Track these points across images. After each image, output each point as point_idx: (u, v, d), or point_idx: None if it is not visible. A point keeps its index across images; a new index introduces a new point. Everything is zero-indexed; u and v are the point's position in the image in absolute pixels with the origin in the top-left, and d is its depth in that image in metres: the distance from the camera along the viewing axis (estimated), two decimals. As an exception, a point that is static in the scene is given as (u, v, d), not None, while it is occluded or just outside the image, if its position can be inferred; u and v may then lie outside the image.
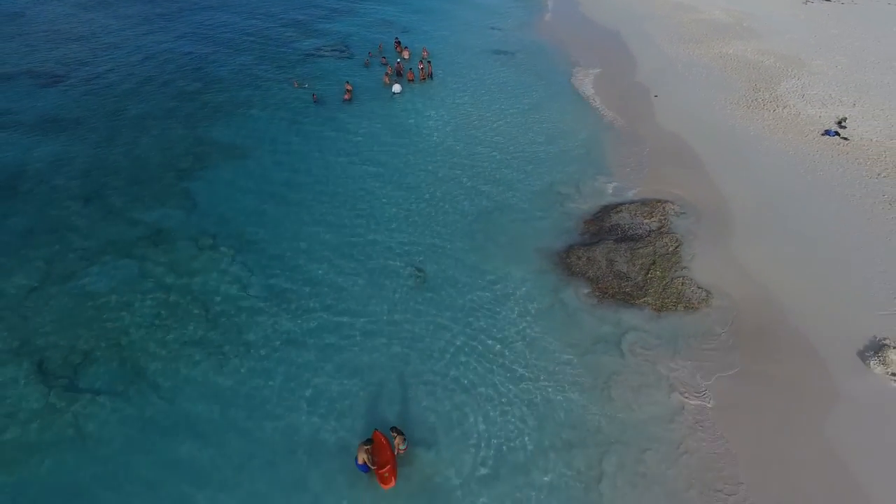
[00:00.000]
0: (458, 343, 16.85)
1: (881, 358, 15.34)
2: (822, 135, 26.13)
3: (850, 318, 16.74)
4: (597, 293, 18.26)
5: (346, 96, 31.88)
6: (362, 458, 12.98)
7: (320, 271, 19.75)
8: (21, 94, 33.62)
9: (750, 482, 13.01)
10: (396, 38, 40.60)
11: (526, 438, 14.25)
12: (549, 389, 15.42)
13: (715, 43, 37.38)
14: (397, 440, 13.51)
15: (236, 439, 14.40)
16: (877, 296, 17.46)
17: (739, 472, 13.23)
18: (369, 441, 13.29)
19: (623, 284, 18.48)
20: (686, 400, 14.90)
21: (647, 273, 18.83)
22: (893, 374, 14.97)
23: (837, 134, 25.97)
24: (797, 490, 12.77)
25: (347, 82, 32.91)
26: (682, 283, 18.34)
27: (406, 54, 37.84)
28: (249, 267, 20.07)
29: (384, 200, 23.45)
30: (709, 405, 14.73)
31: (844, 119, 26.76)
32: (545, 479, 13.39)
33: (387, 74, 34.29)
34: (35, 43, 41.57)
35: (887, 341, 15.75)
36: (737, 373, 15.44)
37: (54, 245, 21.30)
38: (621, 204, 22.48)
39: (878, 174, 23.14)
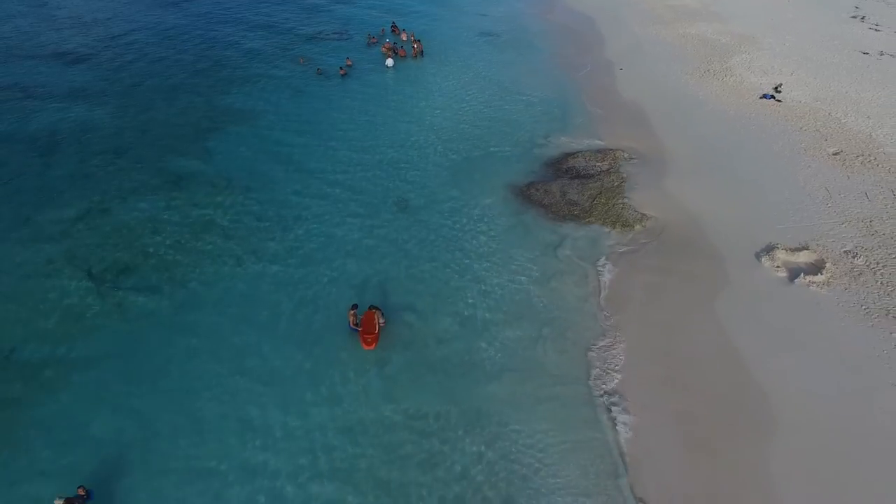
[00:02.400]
0: (435, 248, 20.66)
1: (770, 256, 19.09)
2: (760, 98, 29.83)
3: (754, 232, 20.46)
4: (550, 215, 22.05)
5: (342, 72, 35.53)
6: (351, 319, 16.74)
7: (321, 204, 23.49)
8: (50, 72, 37.33)
9: (652, 339, 16.70)
10: (393, 21, 44.34)
11: (485, 311, 17.97)
12: (508, 280, 19.20)
13: (680, 25, 41.10)
14: (377, 314, 17.20)
15: (249, 317, 18.10)
16: (779, 216, 21.17)
17: (646, 333, 16.93)
18: (354, 305, 17.06)
19: (572, 209, 22.26)
20: (609, 287, 18.60)
21: (594, 200, 22.59)
22: (778, 267, 18.71)
23: (773, 97, 29.68)
24: (687, 345, 16.47)
25: (348, 58, 36.72)
26: (622, 208, 22.09)
27: (403, 37, 41.53)
28: (260, 201, 23.80)
29: (376, 150, 27.21)
30: (628, 290, 18.44)
31: (780, 85, 30.48)
32: (496, 342, 17.08)
33: (384, 46, 38.09)
34: (60, 27, 45.34)
35: (778, 245, 19.49)
36: (654, 268, 19.19)
37: (92, 187, 24.99)
38: (578, 152, 26.26)
39: (801, 128, 26.85)
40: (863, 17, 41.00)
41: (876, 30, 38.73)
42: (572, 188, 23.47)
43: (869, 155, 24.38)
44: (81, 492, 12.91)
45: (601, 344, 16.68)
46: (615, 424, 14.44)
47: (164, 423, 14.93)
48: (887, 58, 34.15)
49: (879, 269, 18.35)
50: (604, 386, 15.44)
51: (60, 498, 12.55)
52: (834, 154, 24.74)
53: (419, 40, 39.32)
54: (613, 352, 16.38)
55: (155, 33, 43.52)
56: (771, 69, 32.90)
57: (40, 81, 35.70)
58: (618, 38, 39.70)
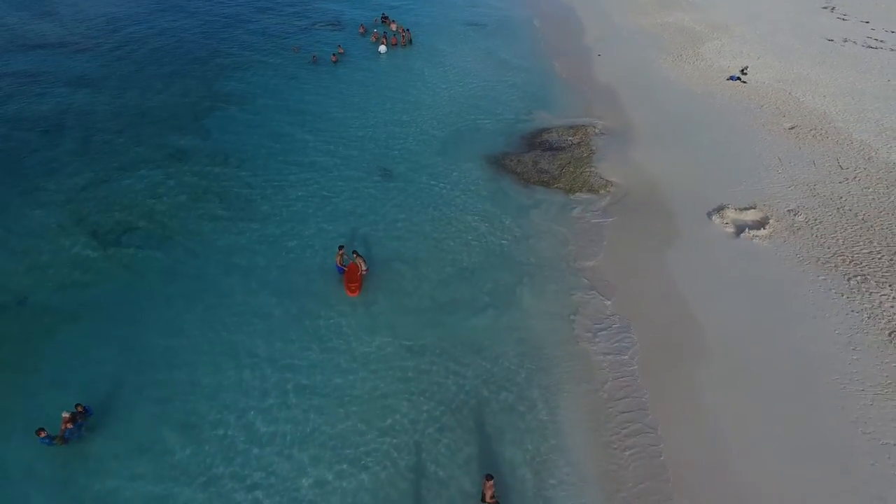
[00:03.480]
0: (416, 208, 22.46)
1: (720, 214, 20.86)
2: (728, 80, 31.65)
3: (708, 195, 22.24)
4: (522, 181, 23.82)
5: (334, 58, 37.26)
6: (338, 259, 18.53)
7: (311, 173, 25.21)
8: (54, 60, 38.99)
9: (610, 279, 18.45)
10: (383, 13, 46.12)
11: (464, 263, 19.71)
12: (486, 234, 21.00)
13: (659, 14, 42.95)
14: (359, 261, 18.93)
15: (242, 267, 19.82)
16: (733, 181, 22.96)
17: (604, 275, 18.68)
18: (341, 247, 18.85)
19: (543, 176, 24.03)
20: (576, 241, 20.35)
21: (563, 169, 24.37)
22: (726, 224, 20.49)
23: (739, 79, 31.50)
24: (639, 288, 18.22)
25: (339, 46, 38.50)
26: (589, 175, 23.87)
27: (394, 27, 43.30)
28: (254, 171, 25.51)
29: (363, 127, 28.95)
30: (590, 243, 20.19)
31: (746, 68, 32.30)
32: (477, 285, 18.73)
33: (374, 34, 39.91)
34: (63, 20, 47.07)
35: (728, 205, 21.28)
36: (615, 225, 20.97)
37: (96, 160, 26.66)
38: (552, 127, 28.04)
39: (761, 106, 28.65)
40: (833, 8, 42.87)
41: (843, 19, 40.59)
42: (544, 159, 25.26)
43: (821, 129, 26.17)
44: (79, 409, 14.56)
45: (569, 287, 18.40)
46: (578, 340, 16.14)
47: (160, 354, 16.57)
48: (850, 44, 35.99)
49: (816, 225, 20.12)
50: (572, 317, 17.15)
51: (67, 412, 14.26)
52: (790, 128, 26.53)
53: (408, 30, 41.11)
54: (579, 293, 18.09)
55: (153, 25, 45.22)
56: (740, 54, 34.72)
57: (45, 69, 37.38)
58: (598, 26, 41.53)
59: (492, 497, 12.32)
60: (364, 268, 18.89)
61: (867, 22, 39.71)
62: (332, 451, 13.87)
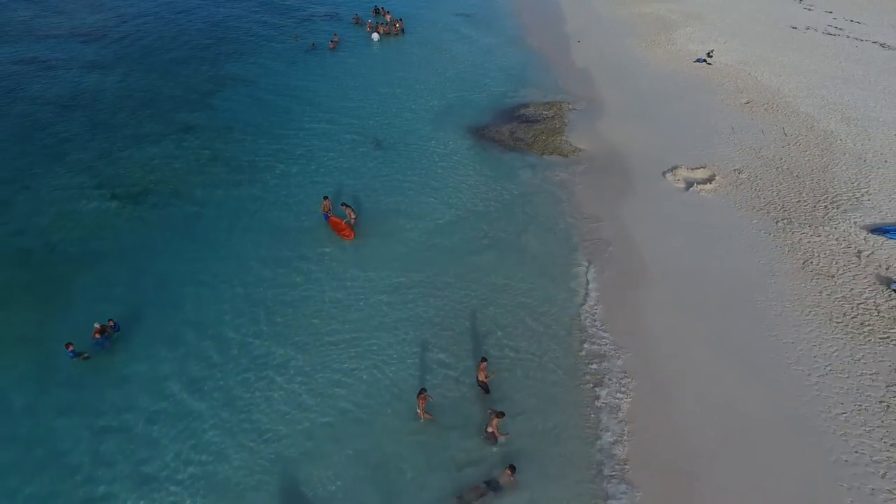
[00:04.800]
0: (404, 169, 25.07)
1: (673, 173, 23.45)
2: (695, 62, 34.21)
3: (665, 158, 24.80)
4: (500, 147, 26.40)
5: (331, 45, 39.79)
6: (324, 207, 21.08)
7: (308, 144, 27.74)
8: (66, 47, 41.41)
9: (568, 231, 20.99)
10: (376, 5, 48.63)
11: (455, 211, 22.28)
12: (464, 189, 23.62)
13: (637, 5, 45.48)
14: (348, 211, 21.40)
15: (245, 223, 22.31)
16: (688, 147, 25.53)
17: (562, 227, 21.22)
18: (326, 197, 21.39)
19: (518, 143, 26.63)
20: (544, 195, 22.90)
21: (536, 137, 26.98)
22: (678, 180, 23.08)
23: (705, 61, 34.07)
24: (596, 232, 20.77)
25: (335, 34, 41.01)
26: (560, 143, 26.44)
27: (388, 17, 45.79)
28: (256, 143, 28.04)
29: (357, 105, 31.48)
30: (552, 197, 22.75)
31: (712, 51, 34.86)
32: (465, 234, 21.22)
33: (369, 24, 42.47)
34: (73, 11, 49.53)
35: (681, 165, 23.86)
36: (578, 183, 23.56)
37: (111, 134, 29.13)
38: (529, 103, 30.63)
39: (722, 84, 31.23)
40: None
41: (809, 9, 43.19)
42: (520, 129, 27.83)
43: (772, 103, 28.74)
44: (111, 323, 17.11)
45: (536, 234, 20.97)
46: (546, 276, 18.69)
47: (175, 288, 19.05)
48: (811, 32, 38.60)
49: (756, 181, 22.70)
50: (536, 256, 19.71)
51: (98, 323, 16.77)
52: (745, 103, 29.09)
53: (401, 19, 43.62)
54: (544, 239, 20.64)
55: (160, 16, 47.69)
56: (709, 39, 37.28)
57: (58, 55, 39.84)
58: (579, 16, 44.11)
59: (485, 377, 14.86)
60: (353, 216, 21.38)
61: (830, 12, 42.31)
62: (342, 349, 16.44)
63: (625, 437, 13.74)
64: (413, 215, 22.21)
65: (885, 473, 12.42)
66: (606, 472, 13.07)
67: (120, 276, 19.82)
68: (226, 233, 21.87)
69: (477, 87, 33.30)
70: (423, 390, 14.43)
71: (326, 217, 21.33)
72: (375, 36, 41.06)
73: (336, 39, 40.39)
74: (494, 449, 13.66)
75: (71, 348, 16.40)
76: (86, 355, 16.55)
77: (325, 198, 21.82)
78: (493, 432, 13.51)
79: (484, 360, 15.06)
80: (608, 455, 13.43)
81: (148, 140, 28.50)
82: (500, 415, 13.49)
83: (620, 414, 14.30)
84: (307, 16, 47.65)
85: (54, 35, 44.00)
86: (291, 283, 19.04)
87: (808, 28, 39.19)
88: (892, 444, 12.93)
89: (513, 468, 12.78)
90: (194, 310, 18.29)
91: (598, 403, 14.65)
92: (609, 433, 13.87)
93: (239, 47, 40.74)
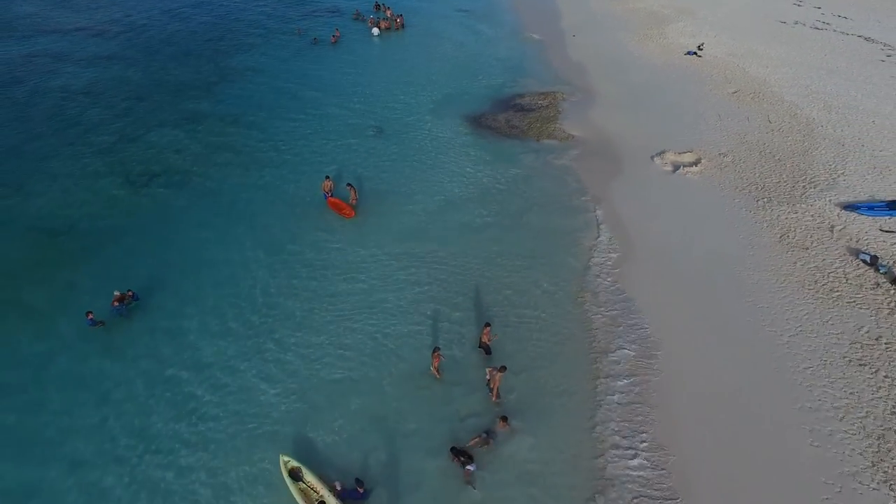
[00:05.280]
0: (403, 153, 26.21)
1: (661, 157, 24.62)
2: (685, 54, 35.40)
3: (654, 144, 25.97)
4: (496, 134, 27.56)
5: (333, 39, 40.92)
6: (325, 186, 22.18)
7: (312, 132, 28.83)
8: (74, 42, 42.42)
9: (575, 195, 22.15)
10: (377, 1, 49.77)
11: (453, 192, 23.40)
12: (461, 172, 24.77)
13: (632, 0, 46.67)
14: (351, 191, 22.51)
15: (253, 202, 23.42)
16: (677, 133, 26.72)
17: (562, 202, 22.38)
18: (327, 176, 22.50)
19: (513, 130, 27.80)
20: (536, 176, 24.05)
21: (531, 125, 28.15)
22: (665, 164, 24.24)
23: (695, 53, 35.26)
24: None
25: (336, 28, 42.14)
26: (554, 129, 27.61)
27: (389, 13, 46.94)
28: (262, 130, 29.15)
29: (359, 96, 32.62)
30: (546, 178, 23.89)
31: (702, 44, 36.05)
32: (463, 212, 22.34)
33: (371, 20, 43.61)
34: (79, 6, 50.59)
35: (669, 150, 25.01)
36: (570, 167, 24.69)
37: (123, 122, 30.22)
38: (526, 93, 31.79)
39: (711, 75, 32.43)
40: (791, -5, 46.68)
41: (798, 5, 44.40)
42: (516, 117, 29.00)
43: (759, 93, 29.93)
44: (129, 293, 18.20)
45: (526, 207, 22.12)
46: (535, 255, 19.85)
47: (186, 261, 20.13)
48: (799, 26, 39.82)
49: (739, 164, 23.88)
50: (532, 224, 20.87)
51: (118, 291, 17.89)
52: (733, 92, 30.28)
53: (401, 15, 44.77)
54: (536, 212, 21.81)
55: (166, 11, 48.78)
56: (700, 33, 38.48)
57: (67, 50, 40.87)
58: (574, 12, 45.32)
59: (488, 339, 15.93)
60: (355, 196, 22.47)
61: (819, 7, 43.55)
62: (347, 314, 17.64)
63: (621, 391, 14.86)
64: (412, 196, 23.36)
65: (843, 417, 13.57)
66: (603, 420, 14.18)
67: (134, 250, 20.90)
68: (234, 210, 22.97)
69: (475, 79, 34.46)
70: (436, 349, 15.49)
71: (325, 196, 22.46)
72: (376, 31, 42.21)
73: (338, 34, 41.51)
74: (497, 403, 14.73)
75: (91, 316, 17.49)
76: (102, 323, 17.60)
77: (327, 177, 22.96)
78: (496, 387, 14.58)
79: (487, 324, 16.09)
80: (604, 405, 14.53)
81: (156, 127, 29.59)
82: (503, 369, 14.58)
83: (613, 369, 15.42)
84: (309, 11, 48.77)
85: (61, 30, 45.05)
86: (296, 255, 20.18)
87: (796, 23, 40.39)
88: (850, 393, 14.09)
89: (505, 419, 13.87)
90: (209, 278, 19.37)
91: (595, 362, 15.75)
92: (606, 386, 14.99)
93: (243, 41, 41.85)
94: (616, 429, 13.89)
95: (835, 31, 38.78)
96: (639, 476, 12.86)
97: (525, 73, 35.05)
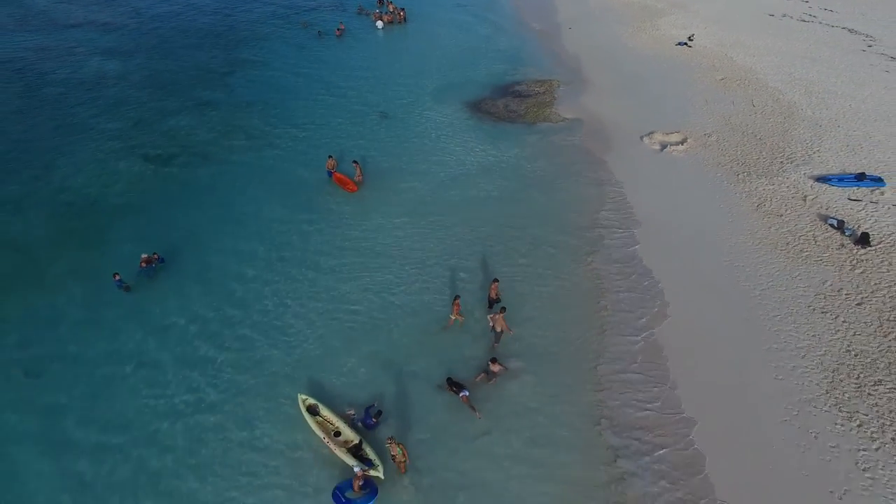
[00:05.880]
0: (407, 135, 27.78)
1: (650, 137, 26.19)
2: (676, 45, 36.95)
3: (643, 126, 27.51)
4: (494, 118, 29.12)
5: (338, 33, 42.47)
6: (328, 164, 23.70)
7: (319, 117, 30.37)
8: (86, 36, 43.84)
9: (556, 182, 23.68)
10: (380, -5, 51.39)
11: (453, 170, 24.92)
12: (461, 152, 26.31)
13: (626, -5, 48.29)
14: (357, 168, 24.02)
15: (264, 179, 24.94)
16: (666, 116, 28.24)
17: (552, 179, 23.90)
18: (330, 156, 24.02)
19: (511, 114, 29.37)
20: (529, 153, 25.59)
21: (528, 110, 29.72)
22: (653, 143, 25.80)
23: (685, 44, 36.81)
24: (580, 184, 23.46)
25: (341, 22, 43.69)
26: (549, 114, 29.18)
27: (391, 7, 48.45)
28: (272, 115, 30.66)
29: (364, 84, 34.17)
30: (542, 159, 25.43)
31: (693, 35, 37.61)
32: (463, 188, 23.86)
33: (375, 14, 45.17)
34: (89, 2, 52.08)
35: (657, 130, 26.57)
36: (564, 146, 26.24)
37: (138, 109, 31.74)
38: (523, 81, 33.35)
39: (700, 64, 33.97)
40: (780, -10, 48.21)
41: (787, -1, 46.02)
42: (513, 103, 30.57)
43: (745, 79, 31.49)
44: (155, 255, 19.76)
45: (521, 185, 23.66)
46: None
47: (205, 230, 21.67)
48: (787, 18, 41.38)
49: (723, 143, 25.45)
50: (529, 198, 22.40)
51: (145, 254, 19.42)
52: (720, 79, 31.83)
53: (403, 8, 46.34)
54: (530, 187, 23.36)
55: (173, 7, 50.29)
56: (691, 25, 40.05)
57: (80, 43, 42.37)
58: (571, 6, 46.87)
59: (496, 294, 17.28)
60: (360, 173, 23.96)
61: (806, 1, 45.10)
62: (355, 274, 19.19)
63: (620, 334, 16.45)
64: (413, 173, 24.89)
65: (805, 356, 15.11)
66: (605, 360, 15.72)
67: (155, 222, 22.46)
68: (248, 186, 24.53)
69: (474, 68, 36.00)
70: (457, 297, 17.02)
71: (330, 174, 23.99)
72: (380, 24, 43.75)
73: (342, 27, 43.06)
74: (499, 346, 16.22)
75: (118, 278, 18.99)
76: (127, 286, 19.08)
77: (330, 156, 24.45)
78: (500, 331, 16.07)
79: (496, 280, 17.47)
80: (605, 348, 16.07)
81: (171, 113, 31.15)
82: (502, 310, 16.06)
83: (614, 315, 17.01)
84: (314, 6, 50.29)
85: (72, 25, 46.56)
86: (306, 223, 21.79)
87: (784, 15, 41.97)
88: (812, 336, 15.64)
89: (494, 360, 15.25)
90: (227, 244, 20.96)
91: (597, 311, 17.30)
92: (607, 331, 16.57)
93: (250, 34, 43.40)
94: (617, 368, 15.43)
95: (820, 23, 40.35)
96: (638, 403, 14.47)
97: (523, 63, 36.60)
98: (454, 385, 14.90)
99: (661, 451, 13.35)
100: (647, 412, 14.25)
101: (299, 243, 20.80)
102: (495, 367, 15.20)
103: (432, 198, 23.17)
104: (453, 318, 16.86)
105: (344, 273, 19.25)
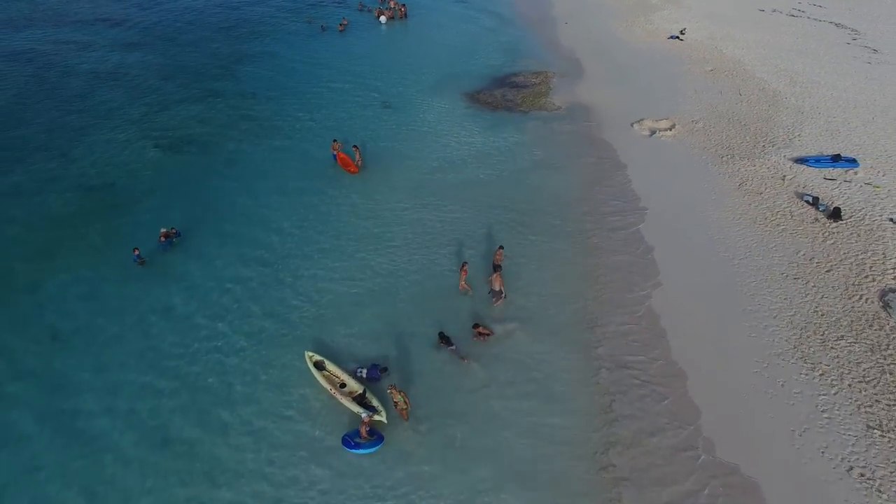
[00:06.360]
0: (408, 122, 29.09)
1: (640, 123, 27.51)
2: (669, 38, 38.22)
3: (634, 114, 28.78)
4: (492, 107, 30.42)
5: (341, 28, 43.75)
6: (334, 146, 24.97)
7: (324, 106, 31.65)
8: (97, 31, 45.12)
9: (552, 162, 24.96)
10: (382, -10, 52.65)
11: (452, 155, 26.19)
12: (471, 136, 27.67)
13: (621, -9, 49.55)
14: (356, 152, 25.27)
15: (272, 162, 26.22)
16: (656, 104, 29.51)
17: (548, 161, 25.18)
18: (334, 140, 25.35)
19: (508, 103, 30.68)
20: (525, 138, 26.87)
21: (524, 99, 31.02)
22: (643, 129, 27.10)
23: (678, 37, 38.09)
24: (573, 164, 24.75)
25: (344, 17, 44.97)
26: (544, 103, 30.47)
27: (392, 3, 49.74)
28: (278, 104, 31.94)
29: (366, 75, 35.45)
30: (541, 139, 26.72)
31: (685, 29, 38.89)
32: (461, 171, 25.13)
33: (378, 10, 46.48)
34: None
35: (647, 117, 27.85)
36: (559, 131, 27.54)
37: (149, 98, 32.99)
38: (520, 72, 34.65)
39: (691, 56, 35.26)
40: (771, -14, 49.46)
41: (777, -6, 47.26)
42: (510, 93, 31.87)
43: (733, 70, 32.78)
44: (173, 230, 21.05)
45: (521, 167, 24.95)
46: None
47: (218, 207, 22.94)
48: (776, 14, 42.69)
49: (709, 128, 26.74)
50: (525, 180, 23.68)
51: (164, 228, 20.70)
52: (709, 70, 33.12)
53: (404, 4, 47.62)
54: (526, 169, 24.63)
55: (178, 3, 51.57)
56: (683, 20, 41.32)
57: (91, 38, 43.56)
58: (567, 1, 48.19)
59: (499, 260, 18.45)
60: (359, 157, 25.19)
61: (797, -4, 46.45)
62: (361, 245, 20.44)
63: (612, 298, 17.74)
64: (414, 157, 26.19)
65: (776, 316, 16.41)
66: (600, 323, 17.03)
67: (171, 201, 23.70)
68: (257, 168, 25.87)
69: (473, 61, 37.30)
70: (464, 263, 18.31)
71: (334, 156, 25.28)
72: (383, 18, 45.05)
73: (345, 22, 44.35)
74: (498, 305, 17.52)
75: (137, 252, 20.25)
76: (143, 260, 20.29)
77: (335, 140, 25.72)
78: (499, 290, 17.41)
79: (501, 247, 18.74)
80: (600, 308, 17.38)
81: (182, 102, 32.43)
82: (497, 269, 17.33)
83: (608, 280, 18.34)
84: (317, 2, 51.56)
85: (82, 20, 47.82)
86: (312, 199, 23.18)
87: (774, 11, 43.26)
88: (784, 299, 16.93)
89: (476, 325, 16.54)
90: (240, 219, 22.26)
91: (593, 272, 18.65)
92: (601, 294, 17.89)
93: (255, 29, 44.68)
94: (613, 329, 16.74)
95: (809, 18, 41.63)
96: (632, 355, 15.90)
97: (520, 56, 37.88)
98: (444, 339, 16.21)
99: (652, 394, 14.69)
100: (640, 359, 15.63)
101: (307, 218, 22.09)
102: (479, 330, 16.47)
103: (433, 179, 24.44)
104: (463, 283, 18.08)
105: (350, 246, 20.52)
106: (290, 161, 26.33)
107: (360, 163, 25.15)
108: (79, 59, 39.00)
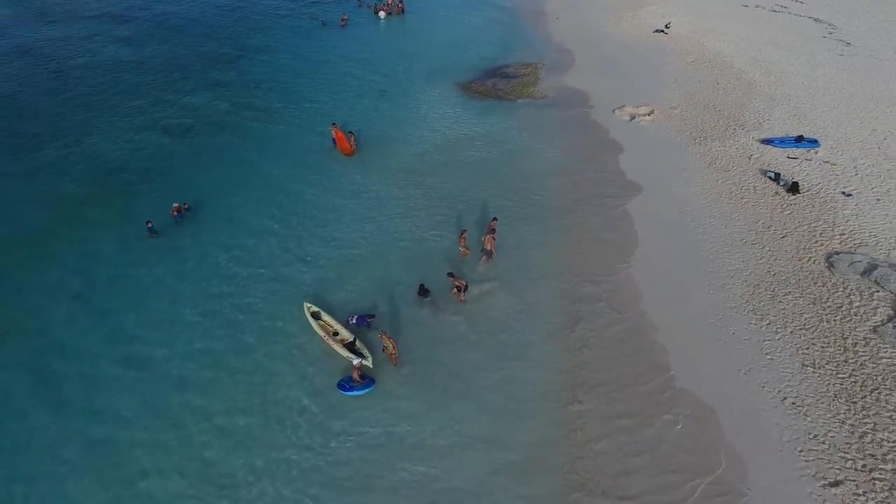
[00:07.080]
0: (402, 111, 30.73)
1: (621, 109, 29.22)
2: (654, 32, 39.88)
3: (617, 100, 30.45)
4: (482, 95, 32.11)
5: (342, 23, 45.43)
6: (332, 131, 26.63)
7: (324, 94, 33.35)
8: (104, 26, 46.75)
9: (535, 145, 26.61)
10: (380, -13, 54.30)
11: (444, 139, 27.84)
12: (461, 121, 29.38)
13: (611, -11, 51.21)
14: (352, 137, 26.92)
15: (274, 145, 27.94)
16: (638, 92, 31.19)
17: (531, 142, 26.84)
18: (333, 123, 26.99)
19: (498, 92, 32.40)
20: (514, 125, 28.54)
21: (513, 88, 32.70)
22: (624, 115, 28.80)
23: (663, 31, 39.76)
24: (555, 145, 26.41)
25: (344, 13, 46.65)
26: (532, 91, 32.15)
27: (391, 0, 51.45)
28: (281, 93, 33.62)
29: (365, 66, 37.13)
30: (529, 125, 28.38)
31: (669, 23, 40.56)
32: (453, 155, 26.81)
33: (376, 6, 48.17)
34: (104, -4, 55.04)
35: (628, 104, 29.53)
36: (547, 116, 29.21)
37: (156, 89, 34.61)
38: (510, 64, 36.34)
39: (674, 48, 36.92)
40: (757, -17, 51.11)
41: (761, -9, 48.93)
42: (500, 83, 33.57)
43: (713, 62, 34.45)
44: (185, 205, 22.72)
45: (505, 150, 26.62)
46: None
47: (224, 187, 24.55)
48: (759, 9, 44.38)
49: (685, 114, 28.45)
50: (512, 162, 25.33)
51: (176, 203, 22.36)
52: (691, 62, 34.78)
53: (401, 1, 49.30)
54: (513, 152, 26.30)
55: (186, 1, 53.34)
56: (669, 15, 42.94)
57: (98, 32, 45.24)
58: (560, -3, 50.02)
59: (493, 230, 19.88)
60: (354, 141, 26.83)
61: (779, -8, 48.12)
62: (357, 219, 22.11)
63: (592, 259, 19.36)
64: (407, 141, 27.87)
65: (733, 276, 18.11)
66: (578, 282, 18.73)
67: (179, 181, 25.36)
68: (261, 151, 27.55)
69: (466, 54, 38.98)
70: (464, 230, 20.02)
71: (333, 140, 26.96)
72: (382, 14, 46.76)
73: (346, 17, 46.03)
74: (483, 262, 19.34)
75: (150, 225, 21.91)
76: (155, 231, 21.94)
77: (333, 124, 27.41)
78: (490, 249, 19.20)
79: (495, 219, 20.32)
80: (582, 268, 19.05)
81: (188, 93, 34.10)
82: (492, 231, 19.23)
83: (587, 246, 19.95)
84: (317, -1, 53.30)
85: (91, 15, 49.51)
86: (312, 179, 24.85)
87: (756, 6, 44.93)
88: (742, 261, 18.66)
89: (451, 273, 18.12)
90: (246, 197, 23.88)
91: (575, 246, 20.30)
92: (582, 256, 19.48)
93: (258, 23, 46.37)
94: (589, 290, 18.41)
95: (789, 13, 43.31)
96: (604, 310, 17.60)
97: (511, 49, 39.56)
98: (423, 291, 17.94)
99: (620, 343, 16.44)
100: (616, 316, 17.37)
101: (307, 194, 23.78)
102: (453, 280, 18.04)
103: (424, 160, 26.12)
104: (462, 249, 19.73)
105: (345, 218, 22.22)
106: (292, 144, 28.02)
107: (354, 146, 26.79)
108: (88, 52, 40.66)
